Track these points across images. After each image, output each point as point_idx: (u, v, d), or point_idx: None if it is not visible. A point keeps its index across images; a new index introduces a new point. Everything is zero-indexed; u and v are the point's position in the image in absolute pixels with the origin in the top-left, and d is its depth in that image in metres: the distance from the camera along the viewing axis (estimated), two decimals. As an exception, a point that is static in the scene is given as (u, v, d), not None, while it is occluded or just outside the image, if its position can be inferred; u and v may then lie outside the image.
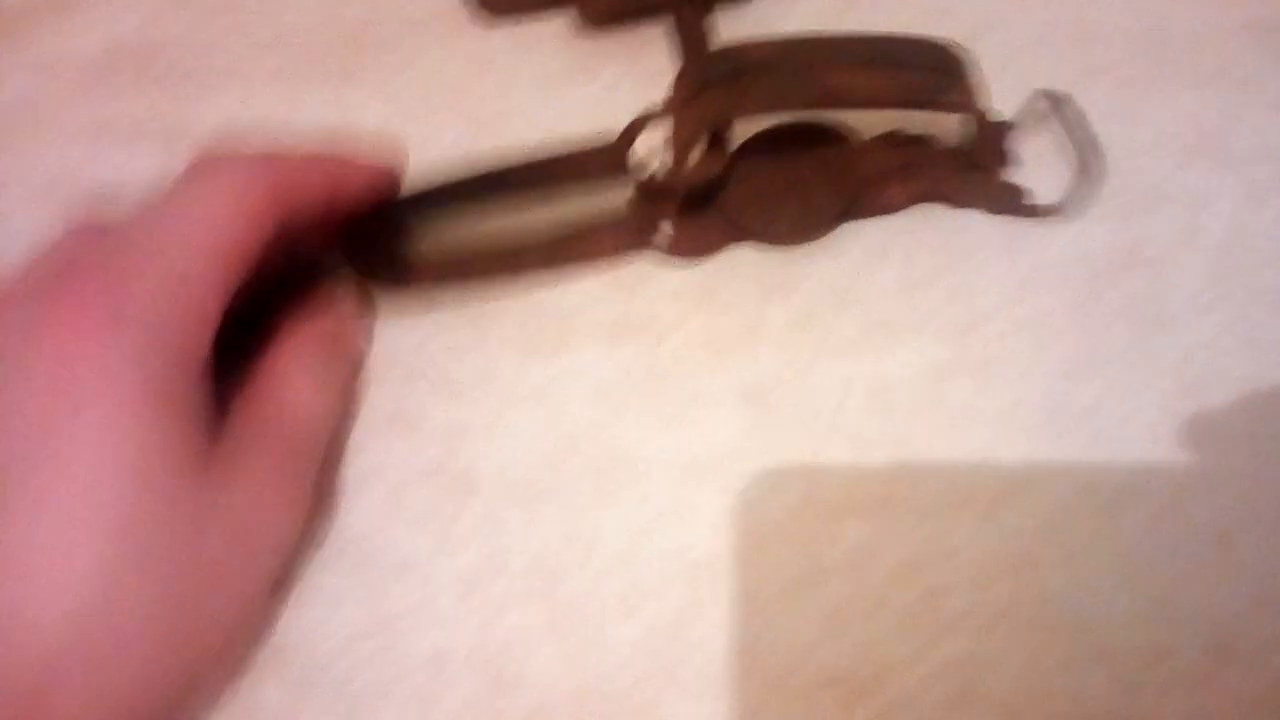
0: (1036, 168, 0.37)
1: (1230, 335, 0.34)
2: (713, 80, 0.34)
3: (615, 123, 0.37)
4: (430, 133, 0.40)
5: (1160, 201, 0.36)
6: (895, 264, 0.36)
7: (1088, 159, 0.37)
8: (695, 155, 0.35)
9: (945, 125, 0.37)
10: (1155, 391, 0.33)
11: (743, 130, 0.37)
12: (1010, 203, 0.36)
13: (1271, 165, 0.37)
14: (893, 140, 0.37)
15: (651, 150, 0.37)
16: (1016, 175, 0.37)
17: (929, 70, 0.34)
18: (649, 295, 0.36)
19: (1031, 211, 0.36)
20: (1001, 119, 0.37)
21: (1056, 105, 0.37)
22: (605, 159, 0.36)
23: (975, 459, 0.32)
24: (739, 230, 0.36)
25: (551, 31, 0.44)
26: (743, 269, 0.36)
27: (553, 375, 0.35)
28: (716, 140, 0.35)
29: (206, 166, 0.31)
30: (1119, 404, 0.33)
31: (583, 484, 0.33)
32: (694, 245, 0.37)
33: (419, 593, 0.32)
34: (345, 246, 0.36)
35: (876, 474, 0.32)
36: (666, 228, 0.36)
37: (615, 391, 0.34)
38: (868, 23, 0.35)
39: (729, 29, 0.42)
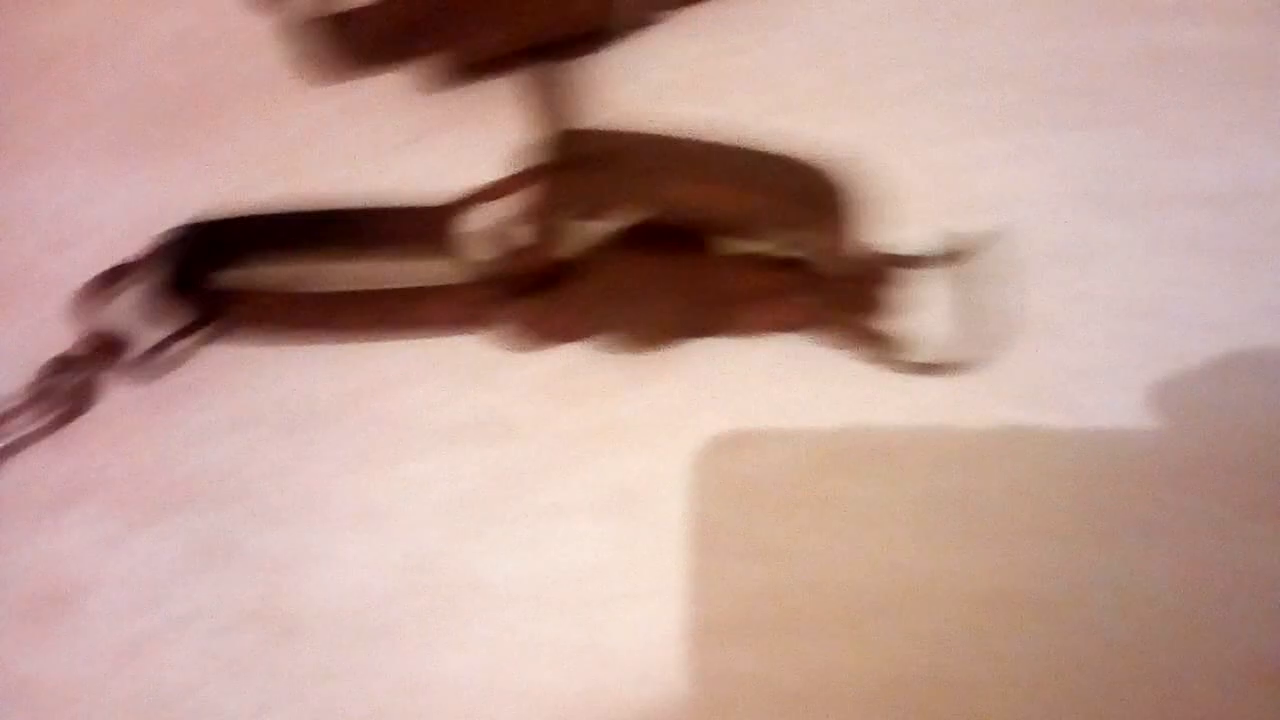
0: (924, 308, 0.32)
1: (1136, 411, 0.30)
2: (551, 164, 0.30)
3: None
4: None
5: (1055, 258, 0.33)
6: (766, 347, 0.32)
7: (984, 316, 0.32)
8: (531, 237, 0.31)
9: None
10: (1061, 481, 0.29)
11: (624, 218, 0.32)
12: (881, 356, 0.31)
13: (1172, 212, 0.34)
14: (761, 260, 0.32)
15: (490, 224, 0.33)
16: (900, 319, 0.32)
17: (787, 197, 0.30)
18: (497, 391, 0.32)
19: (906, 369, 0.31)
20: (882, 254, 0.32)
21: (962, 249, 0.32)
22: (430, 227, 0.32)
23: (874, 561, 0.29)
24: (582, 327, 0.33)
25: (391, 91, 0.40)
26: (602, 358, 0.32)
27: (389, 493, 0.31)
28: (552, 227, 0.31)
29: None
30: (1007, 501, 0.29)
31: (425, 621, 0.29)
32: (534, 333, 0.33)
33: (234, 765, 0.27)
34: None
35: (762, 588, 0.28)
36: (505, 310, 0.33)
37: (461, 508, 0.30)
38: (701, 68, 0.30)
39: (584, 78, 0.38)
